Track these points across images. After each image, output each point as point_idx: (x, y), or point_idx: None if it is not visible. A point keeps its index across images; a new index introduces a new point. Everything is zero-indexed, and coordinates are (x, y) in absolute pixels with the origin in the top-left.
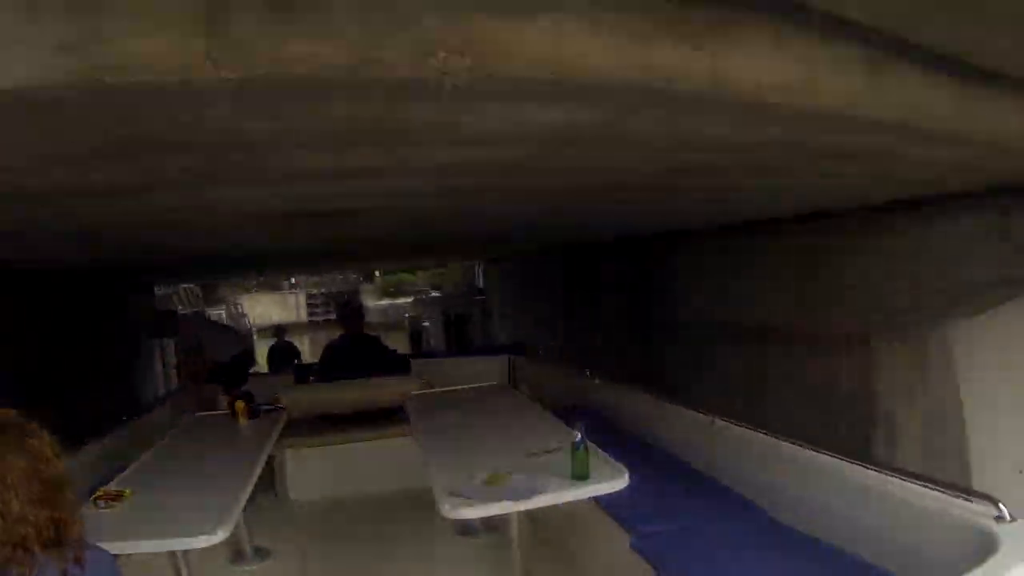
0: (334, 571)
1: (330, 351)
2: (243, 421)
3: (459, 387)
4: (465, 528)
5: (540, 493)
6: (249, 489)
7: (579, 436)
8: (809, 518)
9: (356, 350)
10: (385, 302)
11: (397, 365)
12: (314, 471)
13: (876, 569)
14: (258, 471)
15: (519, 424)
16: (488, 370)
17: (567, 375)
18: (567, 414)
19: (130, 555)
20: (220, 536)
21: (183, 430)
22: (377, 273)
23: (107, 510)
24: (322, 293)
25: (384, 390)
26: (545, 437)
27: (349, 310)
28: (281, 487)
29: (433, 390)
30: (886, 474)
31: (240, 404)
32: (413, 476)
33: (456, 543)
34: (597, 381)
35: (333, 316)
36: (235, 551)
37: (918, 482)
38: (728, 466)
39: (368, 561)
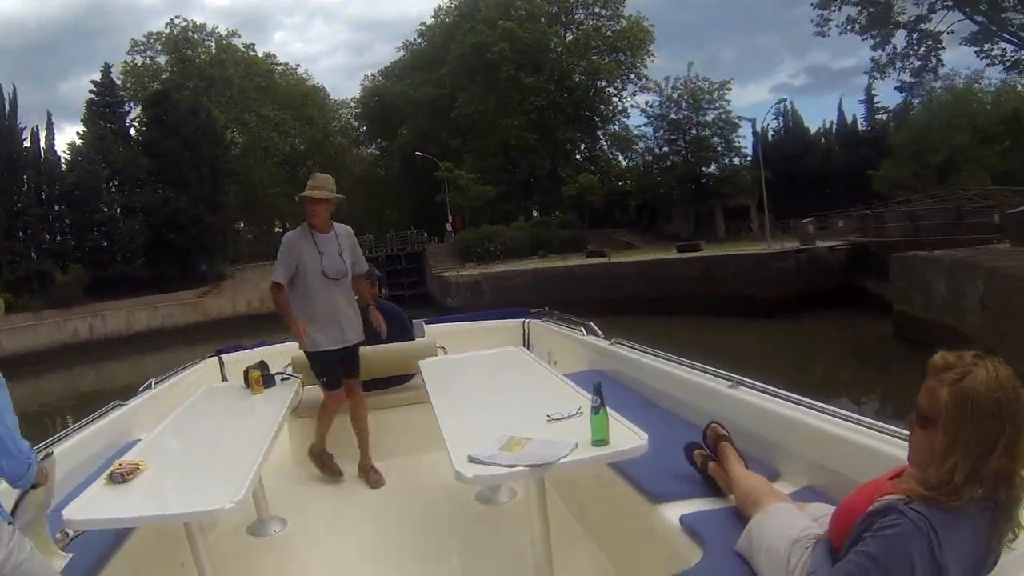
0: (351, 540)
1: None
2: (258, 390)
3: (474, 353)
4: (484, 496)
5: (559, 458)
6: (263, 459)
7: (597, 400)
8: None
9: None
10: None
11: (404, 329)
12: (329, 440)
13: None
14: (272, 441)
15: (535, 388)
16: (503, 333)
17: (582, 337)
18: (583, 377)
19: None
20: (233, 505)
21: (198, 401)
22: None
23: (123, 484)
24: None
25: (398, 355)
26: (562, 401)
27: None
28: (297, 456)
29: (447, 356)
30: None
31: (255, 374)
32: (429, 442)
33: (475, 510)
34: (613, 343)
35: None
36: (253, 521)
37: None
38: (749, 430)
39: (386, 529)
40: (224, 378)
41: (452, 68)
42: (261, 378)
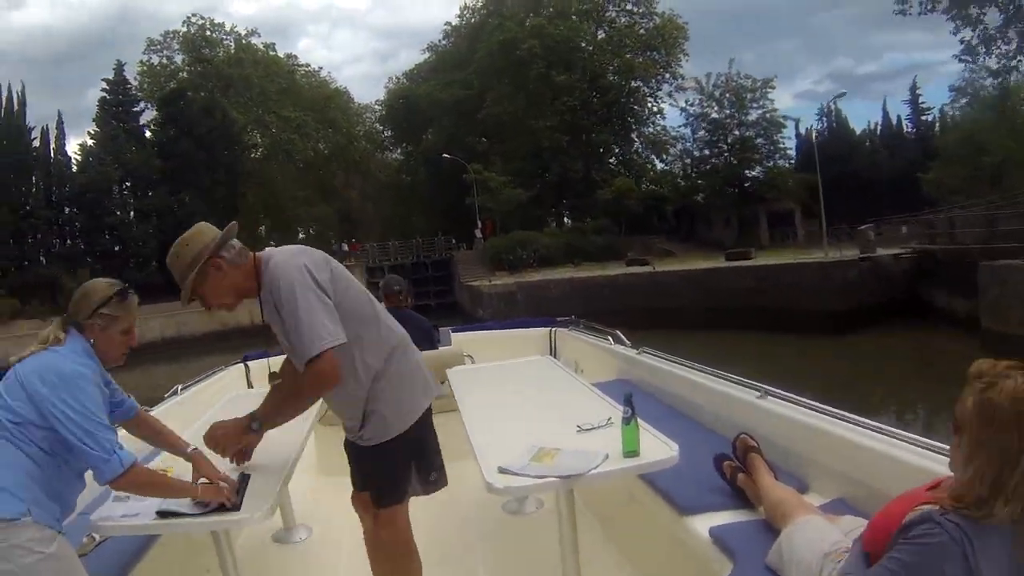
0: None
1: None
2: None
3: (502, 361)
4: (511, 506)
5: (589, 469)
6: (291, 467)
7: (629, 411)
8: (871, 501)
9: None
10: None
11: (429, 338)
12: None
13: None
14: (300, 449)
15: (564, 398)
16: (529, 341)
17: (609, 346)
18: (611, 386)
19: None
20: (263, 515)
21: (224, 408)
22: None
23: None
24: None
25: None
26: (591, 411)
27: (383, 286)
28: (323, 464)
29: (475, 365)
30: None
31: None
32: (457, 452)
33: (503, 520)
34: (641, 352)
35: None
36: (279, 528)
37: None
38: (779, 442)
39: (416, 539)
40: (250, 385)
41: (479, 67)
42: None
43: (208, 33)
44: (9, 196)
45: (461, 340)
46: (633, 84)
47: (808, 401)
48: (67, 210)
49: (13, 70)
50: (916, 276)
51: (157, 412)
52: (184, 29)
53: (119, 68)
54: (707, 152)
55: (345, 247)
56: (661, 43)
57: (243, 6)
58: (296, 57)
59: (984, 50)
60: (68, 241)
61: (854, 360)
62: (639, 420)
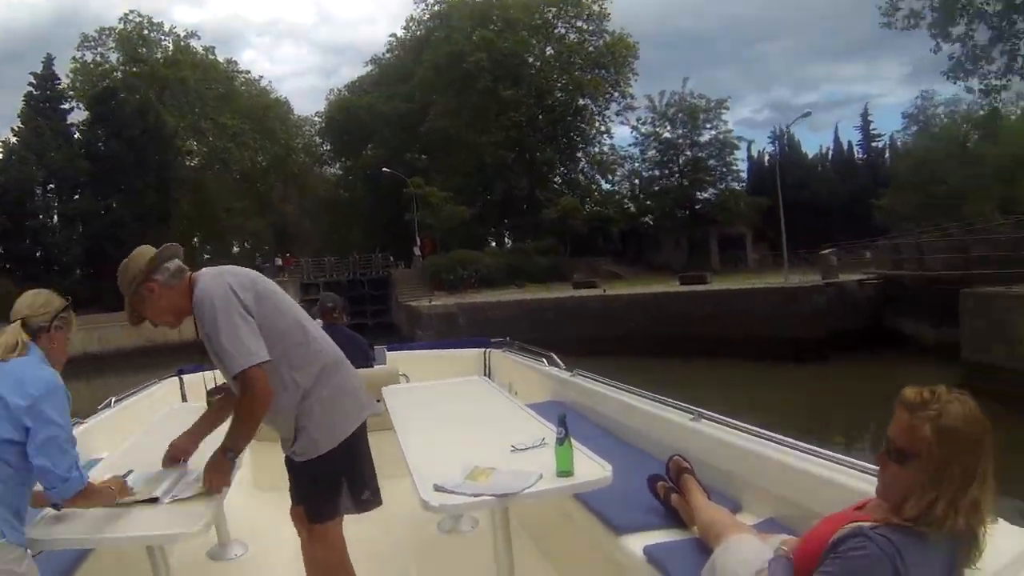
0: None
1: None
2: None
3: (437, 381)
4: (446, 525)
5: (524, 488)
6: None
7: (562, 431)
8: (803, 520)
9: None
10: None
11: (364, 356)
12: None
13: None
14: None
15: (499, 418)
16: (464, 362)
17: (544, 368)
18: (544, 407)
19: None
20: (200, 530)
21: (160, 421)
22: None
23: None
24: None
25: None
26: (525, 432)
27: (330, 303)
28: (258, 479)
29: (410, 384)
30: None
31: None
32: (391, 470)
33: (438, 540)
34: (574, 374)
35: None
36: (213, 545)
37: None
38: (712, 463)
39: (351, 557)
40: (184, 398)
41: (423, 80)
42: None
43: (146, 32)
44: None
45: (396, 359)
46: (581, 102)
47: (741, 424)
48: None
49: None
50: (883, 303)
51: (90, 424)
52: (120, 26)
53: (47, 62)
54: (656, 173)
55: (279, 261)
56: (611, 61)
57: (188, 13)
58: (236, 63)
59: (971, 67)
60: None
61: (825, 389)
62: (572, 440)
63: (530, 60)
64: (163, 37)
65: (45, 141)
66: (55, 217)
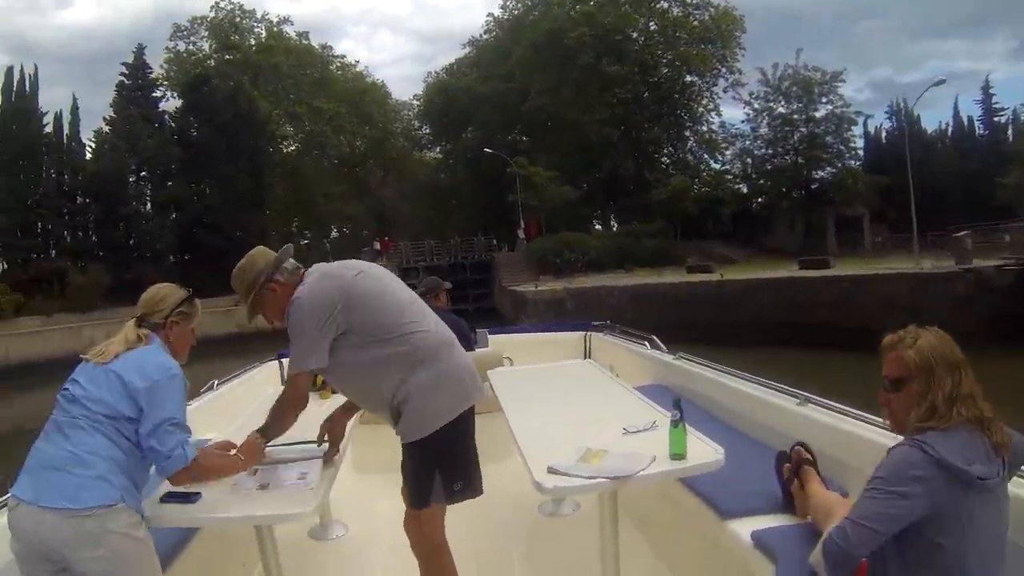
0: None
1: None
2: (326, 396)
3: (542, 364)
4: (548, 508)
5: (639, 470)
6: (338, 463)
7: (678, 414)
8: None
9: None
10: None
11: (466, 339)
12: (392, 447)
13: None
14: (345, 446)
15: (606, 400)
16: (565, 345)
17: (646, 351)
18: (648, 391)
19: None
20: (311, 509)
21: (267, 403)
22: None
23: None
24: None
25: None
26: (634, 414)
27: (423, 287)
28: (359, 461)
29: (515, 367)
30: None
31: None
32: (495, 453)
33: (540, 523)
34: (678, 357)
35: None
36: (315, 525)
37: None
38: (819, 449)
39: (452, 539)
40: (283, 381)
41: (522, 59)
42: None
43: (238, 20)
44: (17, 185)
45: (498, 342)
46: (688, 79)
47: (849, 408)
48: (79, 200)
49: (56, 69)
50: (1022, 290)
51: (194, 406)
52: (212, 15)
53: (139, 52)
54: (769, 151)
55: (377, 246)
56: (717, 35)
57: (284, 7)
58: (331, 48)
59: None
60: (80, 233)
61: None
62: (685, 423)
63: (633, 35)
64: (256, 24)
65: (137, 129)
66: (148, 205)
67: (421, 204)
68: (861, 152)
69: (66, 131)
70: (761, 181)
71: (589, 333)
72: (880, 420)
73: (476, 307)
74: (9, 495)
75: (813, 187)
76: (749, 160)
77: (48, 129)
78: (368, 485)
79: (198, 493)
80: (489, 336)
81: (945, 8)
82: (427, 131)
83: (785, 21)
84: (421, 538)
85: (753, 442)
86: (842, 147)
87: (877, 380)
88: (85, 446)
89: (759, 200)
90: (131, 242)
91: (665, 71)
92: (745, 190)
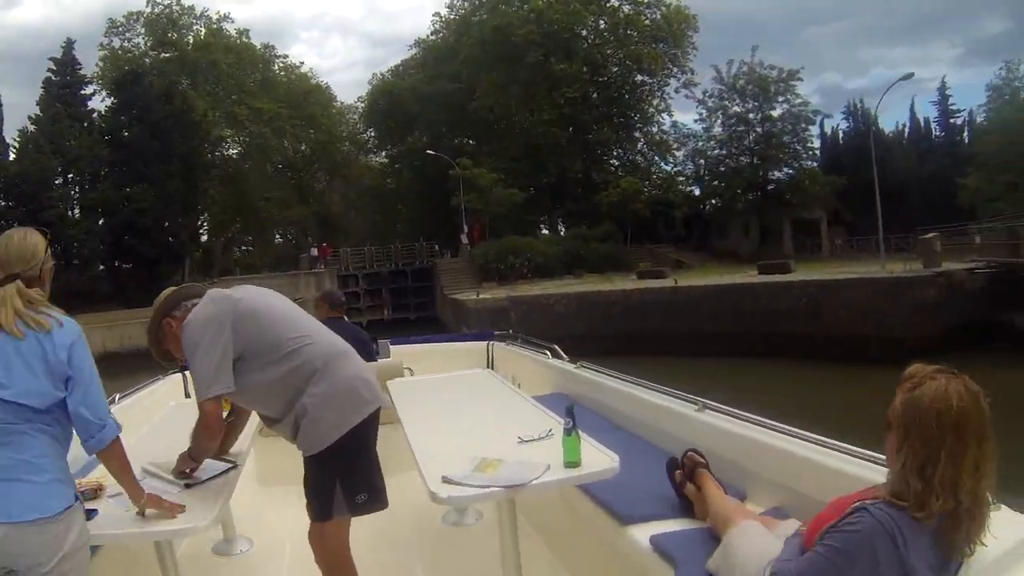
0: None
1: None
2: (226, 407)
3: (442, 374)
4: (451, 517)
5: (532, 479)
6: (235, 477)
7: (570, 422)
8: (808, 509)
9: None
10: None
11: (367, 350)
12: (294, 459)
13: None
14: (242, 459)
15: (504, 410)
16: (468, 355)
17: (548, 360)
18: (549, 400)
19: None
20: (208, 524)
21: (165, 417)
22: None
23: (91, 501)
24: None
25: None
26: (531, 423)
27: (320, 296)
28: (262, 474)
29: (415, 377)
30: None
31: None
32: (395, 464)
33: (442, 532)
34: (579, 366)
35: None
36: (219, 540)
37: None
38: (718, 453)
39: (356, 550)
40: (187, 395)
41: (469, 56)
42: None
43: (176, 16)
44: None
45: (399, 352)
46: (638, 78)
47: (745, 414)
48: (1, 202)
49: (3, 69)
50: (1004, 293)
51: None
52: (148, 10)
53: (67, 46)
54: (723, 152)
55: (314, 252)
56: (668, 33)
57: (235, 9)
58: (274, 48)
59: None
60: None
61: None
62: (580, 432)
63: (583, 33)
64: (195, 21)
65: (63, 128)
66: (74, 208)
67: (367, 209)
68: (818, 152)
69: None
70: (715, 183)
71: (492, 343)
72: (771, 423)
73: (418, 316)
74: None
75: (769, 188)
76: (702, 161)
77: None
78: (271, 498)
79: (95, 510)
80: (391, 347)
81: (891, 16)
82: (372, 134)
83: (738, 27)
84: (325, 551)
85: (652, 448)
86: (799, 147)
87: (861, 398)
88: (32, 450)
89: (712, 202)
90: (56, 248)
91: (615, 70)
92: (697, 192)
